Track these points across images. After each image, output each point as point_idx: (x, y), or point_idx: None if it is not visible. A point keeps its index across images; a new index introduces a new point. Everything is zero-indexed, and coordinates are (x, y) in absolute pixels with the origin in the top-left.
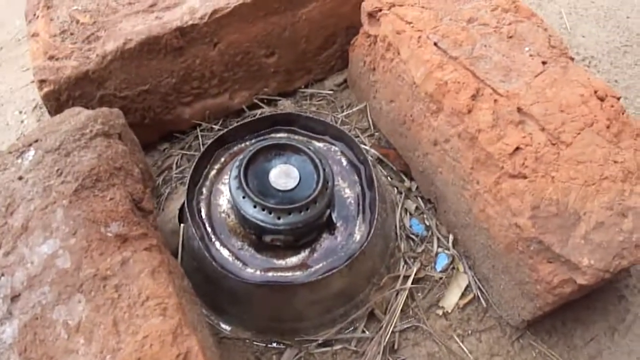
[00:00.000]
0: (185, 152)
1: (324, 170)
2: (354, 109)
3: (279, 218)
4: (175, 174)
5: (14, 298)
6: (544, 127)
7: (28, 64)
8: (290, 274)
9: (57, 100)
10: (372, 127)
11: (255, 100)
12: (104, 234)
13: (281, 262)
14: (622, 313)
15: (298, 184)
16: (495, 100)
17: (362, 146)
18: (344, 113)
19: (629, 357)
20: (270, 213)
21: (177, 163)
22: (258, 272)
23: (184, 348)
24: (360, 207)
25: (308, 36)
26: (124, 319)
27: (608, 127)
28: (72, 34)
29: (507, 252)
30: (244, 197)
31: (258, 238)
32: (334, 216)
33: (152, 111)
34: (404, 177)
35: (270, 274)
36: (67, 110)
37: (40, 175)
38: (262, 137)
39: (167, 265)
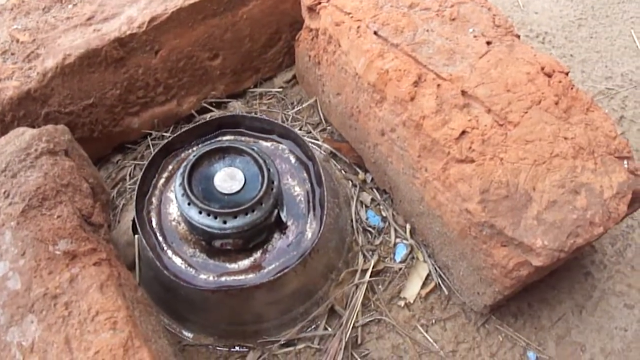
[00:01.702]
0: (138, 162)
1: (268, 170)
2: (305, 105)
3: (224, 222)
4: (129, 185)
5: None
6: (490, 109)
7: None
8: (243, 276)
9: (2, 121)
10: (323, 122)
11: (205, 104)
12: (52, 252)
13: (234, 266)
14: (589, 290)
15: (243, 186)
16: (439, 85)
17: (315, 141)
18: (295, 109)
19: (599, 333)
20: (215, 218)
21: (130, 174)
22: (211, 278)
23: None
24: (311, 204)
25: (251, 35)
26: (76, 335)
27: (557, 103)
28: (12, 53)
29: (461, 239)
30: (189, 204)
31: (208, 244)
32: (282, 215)
33: (99, 124)
34: (358, 169)
35: (223, 278)
36: (12, 131)
37: None
38: (208, 142)
39: (117, 278)
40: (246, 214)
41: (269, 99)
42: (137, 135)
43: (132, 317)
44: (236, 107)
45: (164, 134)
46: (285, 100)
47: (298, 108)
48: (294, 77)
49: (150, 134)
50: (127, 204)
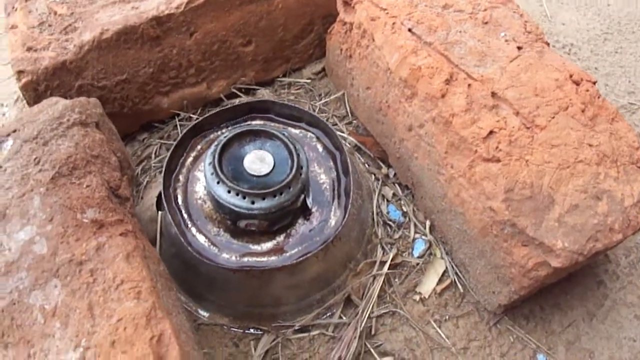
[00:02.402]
0: (164, 141)
1: (298, 155)
2: (332, 97)
3: (252, 203)
4: (154, 163)
5: None
6: (518, 111)
7: (8, 58)
8: (266, 258)
9: (35, 90)
10: (349, 115)
11: (234, 90)
12: (80, 220)
13: (257, 248)
14: (601, 299)
15: (272, 169)
16: (469, 85)
17: (340, 133)
18: (322, 101)
19: (608, 342)
20: (244, 198)
21: (155, 152)
22: (234, 258)
23: (157, 331)
24: (336, 192)
25: (285, 25)
26: (99, 302)
27: (583, 110)
28: (50, 25)
29: (482, 236)
30: (218, 183)
31: (233, 223)
32: (308, 201)
33: (130, 101)
34: (381, 163)
35: (246, 259)
36: (45, 100)
37: (19, 164)
38: (238, 125)
39: (142, 250)
40: (274, 196)
41: (297, 89)
42: (165, 115)
43: (155, 289)
44: (264, 94)
45: (192, 115)
46: (313, 91)
47: (325, 100)
48: (323, 69)
49: (178, 115)
50: (151, 182)
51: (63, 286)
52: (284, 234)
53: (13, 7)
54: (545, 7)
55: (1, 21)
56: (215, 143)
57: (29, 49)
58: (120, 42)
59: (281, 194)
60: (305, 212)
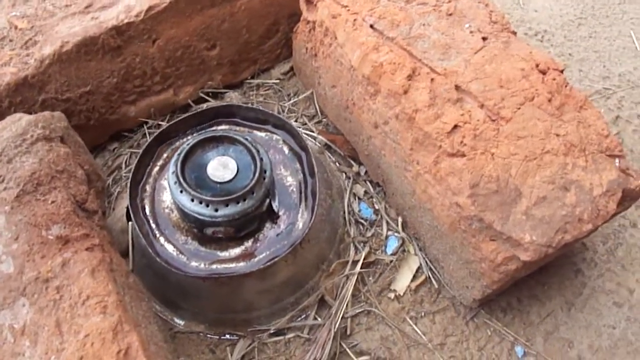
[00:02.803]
0: (134, 150)
1: (261, 160)
2: (301, 97)
3: (216, 210)
4: (125, 173)
5: None
6: (483, 104)
7: None
8: (234, 264)
9: None
10: (319, 114)
11: (201, 94)
12: (45, 237)
13: (225, 254)
14: (579, 287)
15: (236, 175)
16: (432, 79)
17: (310, 133)
18: (291, 101)
19: (587, 330)
20: (207, 206)
21: (126, 162)
22: (202, 265)
23: (124, 344)
24: (303, 194)
25: (249, 26)
26: (67, 319)
27: (550, 100)
28: (10, 40)
29: (451, 232)
30: (181, 192)
31: (200, 231)
32: (274, 205)
33: (96, 112)
34: (352, 162)
35: (214, 266)
36: (9, 117)
37: None
38: (203, 131)
39: (109, 263)
40: (237, 203)
41: (265, 90)
42: (134, 124)
43: (122, 302)
44: (233, 97)
45: (160, 122)
46: (282, 91)
47: (294, 100)
48: (291, 69)
49: (147, 123)
50: (122, 192)
51: (31, 304)
52: (252, 239)
53: None
54: None
55: None
56: (178, 152)
57: None
58: (81, 54)
59: (244, 199)
60: (272, 216)
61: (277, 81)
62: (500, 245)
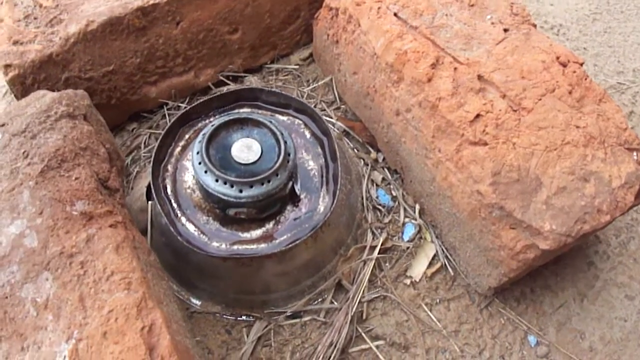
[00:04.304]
0: (153, 131)
1: (285, 142)
2: (320, 83)
3: (240, 191)
4: (144, 153)
5: None
6: (505, 94)
7: None
8: (255, 246)
9: (23, 84)
10: (338, 100)
11: (221, 78)
12: (69, 212)
13: (246, 235)
14: (591, 279)
15: (260, 157)
16: (456, 69)
17: (328, 119)
18: (310, 87)
19: (599, 322)
20: (232, 186)
21: (145, 142)
22: (224, 246)
23: (148, 321)
24: (324, 179)
25: (271, 11)
26: (90, 294)
27: (570, 92)
28: (35, 18)
29: (470, 220)
30: (206, 172)
31: (222, 212)
32: (297, 188)
33: (118, 91)
34: (370, 148)
35: (235, 247)
36: (33, 93)
37: (7, 158)
38: (226, 113)
39: (132, 240)
40: (262, 184)
41: (285, 76)
42: (154, 105)
43: (145, 279)
44: (252, 81)
45: (180, 104)
46: (301, 77)
47: (313, 86)
48: (311, 55)
49: (167, 104)
50: (140, 172)
51: (54, 279)
52: (273, 221)
53: None
54: None
55: None
56: (203, 132)
57: (15, 42)
58: (106, 33)
59: (269, 181)
60: (293, 199)
61: (297, 67)
62: (519, 234)
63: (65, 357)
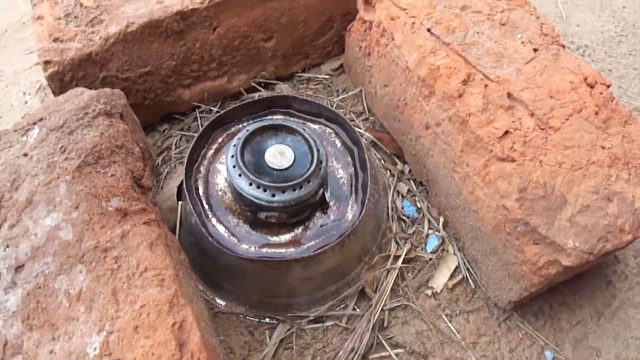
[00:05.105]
0: (184, 132)
1: (317, 150)
2: (350, 94)
3: (273, 195)
4: (174, 154)
5: (18, 268)
6: (533, 112)
7: (32, 47)
8: (284, 250)
9: (61, 80)
10: (366, 111)
11: (253, 84)
12: (105, 208)
13: (275, 239)
14: (609, 298)
15: (292, 163)
16: (486, 86)
17: (357, 129)
18: (340, 97)
19: (615, 341)
20: (265, 190)
21: (176, 143)
22: (253, 248)
23: (179, 317)
24: (353, 187)
25: (305, 21)
26: (123, 288)
27: (597, 113)
28: (75, 17)
29: (494, 234)
30: (240, 175)
31: (253, 215)
32: (327, 195)
33: (152, 92)
34: (396, 160)
35: (264, 250)
36: (71, 90)
37: (45, 152)
38: (259, 119)
39: (165, 239)
40: (294, 190)
41: (315, 85)
42: (186, 107)
43: (178, 277)
44: (283, 89)
45: (212, 107)
46: (331, 87)
47: (343, 96)
48: (341, 65)
49: (199, 107)
50: (170, 172)
51: (88, 272)
52: (302, 227)
53: None
54: (561, 8)
55: (21, 12)
56: (238, 136)
57: (56, 39)
58: (145, 36)
59: (301, 187)
60: (323, 205)
61: (327, 77)
62: (543, 249)
63: (96, 348)
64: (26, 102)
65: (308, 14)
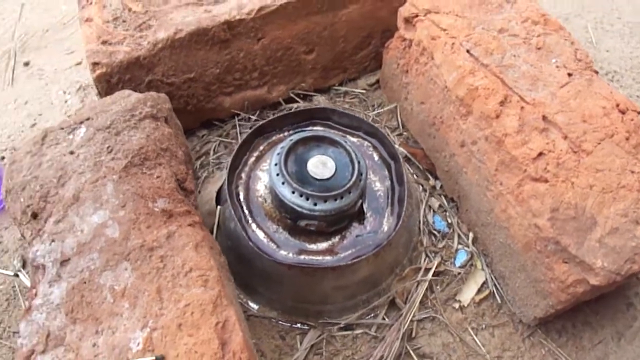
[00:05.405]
0: (223, 139)
1: (358, 162)
2: (385, 109)
3: (315, 204)
4: (213, 159)
5: (64, 262)
6: (567, 135)
7: (73, 47)
8: (320, 257)
9: (108, 82)
10: (401, 127)
11: (292, 95)
12: (151, 208)
13: (312, 247)
14: (630, 320)
15: (334, 174)
16: (522, 107)
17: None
18: (375, 112)
19: None
20: (307, 199)
21: (214, 149)
22: (290, 255)
23: (222, 317)
24: (389, 200)
25: (346, 36)
26: (168, 287)
27: (627, 139)
28: (124, 21)
29: (524, 251)
30: (283, 183)
31: (293, 222)
32: (364, 207)
33: (195, 98)
34: (429, 175)
35: (301, 256)
36: (118, 92)
37: (91, 151)
38: (299, 129)
39: (209, 241)
40: (335, 200)
41: (351, 99)
42: (226, 115)
43: (221, 278)
44: (320, 101)
45: (251, 116)
46: (366, 102)
47: (378, 111)
48: (377, 81)
49: (238, 115)
50: (208, 177)
51: (133, 269)
52: (339, 236)
53: (88, 1)
54: (591, 33)
55: (62, 12)
56: (282, 145)
57: (104, 42)
58: (192, 43)
59: (342, 197)
60: (360, 216)
61: (363, 91)
62: (572, 268)
63: (139, 343)
64: (66, 101)
65: (349, 29)
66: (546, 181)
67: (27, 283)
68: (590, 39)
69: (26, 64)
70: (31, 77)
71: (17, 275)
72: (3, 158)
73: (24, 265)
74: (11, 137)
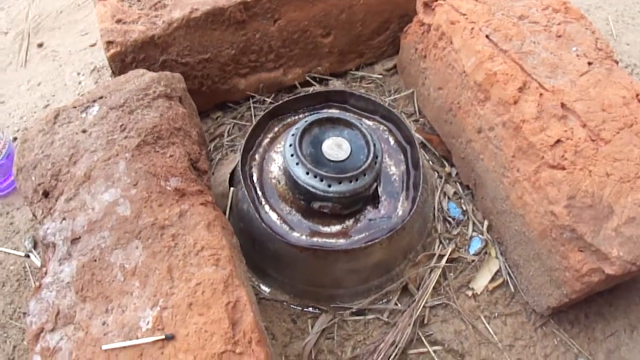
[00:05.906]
0: (237, 121)
1: (374, 145)
2: (402, 94)
3: (329, 186)
4: (227, 141)
5: (74, 240)
6: (585, 124)
7: (87, 29)
8: (333, 240)
9: (122, 61)
10: (417, 113)
11: (308, 78)
12: (163, 187)
13: (326, 229)
14: None
15: (349, 156)
16: (541, 94)
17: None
18: (392, 97)
19: None
20: (321, 180)
21: (228, 131)
22: (303, 237)
23: (233, 297)
24: (404, 185)
25: (364, 20)
26: (179, 266)
27: None
28: (139, 0)
29: (540, 239)
30: (297, 164)
31: (307, 204)
32: (379, 190)
33: (210, 79)
34: (445, 162)
35: (315, 239)
36: (132, 71)
37: (104, 129)
38: (315, 112)
39: (221, 221)
40: (350, 182)
41: (368, 83)
42: (241, 96)
43: (233, 258)
44: (336, 85)
45: (266, 98)
46: (383, 87)
47: (395, 96)
48: (394, 66)
49: (253, 97)
50: (222, 159)
51: (144, 248)
52: (353, 219)
53: None
54: (612, 26)
55: None
56: (297, 126)
57: (119, 21)
58: (208, 23)
59: (357, 180)
60: (374, 200)
61: (380, 76)
62: (587, 257)
63: (149, 322)
64: (80, 83)
65: (367, 13)
66: (563, 169)
67: (38, 264)
68: (610, 31)
69: (40, 45)
70: (45, 59)
71: (28, 256)
72: (16, 139)
73: (35, 246)
74: (24, 118)
